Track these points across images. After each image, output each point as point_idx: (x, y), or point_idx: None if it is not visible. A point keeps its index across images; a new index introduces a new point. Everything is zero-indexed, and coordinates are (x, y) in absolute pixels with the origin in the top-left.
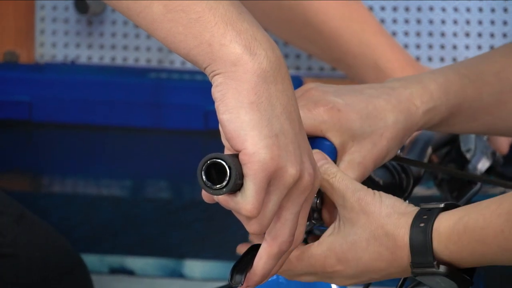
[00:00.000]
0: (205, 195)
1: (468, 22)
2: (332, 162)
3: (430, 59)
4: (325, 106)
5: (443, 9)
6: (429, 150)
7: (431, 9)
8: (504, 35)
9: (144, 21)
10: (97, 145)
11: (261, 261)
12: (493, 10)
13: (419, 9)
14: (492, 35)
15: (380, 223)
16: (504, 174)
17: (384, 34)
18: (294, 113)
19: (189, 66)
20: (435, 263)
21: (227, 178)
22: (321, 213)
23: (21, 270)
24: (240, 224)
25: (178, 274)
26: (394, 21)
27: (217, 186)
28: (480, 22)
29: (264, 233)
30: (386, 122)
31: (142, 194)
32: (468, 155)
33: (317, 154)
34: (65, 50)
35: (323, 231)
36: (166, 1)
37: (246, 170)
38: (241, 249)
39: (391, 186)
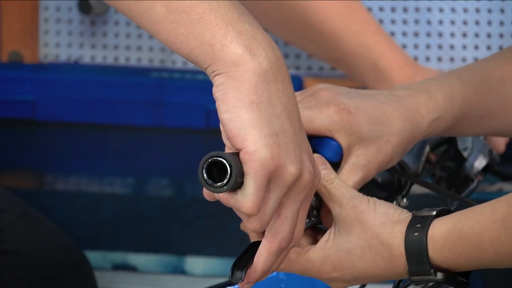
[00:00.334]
0: (206, 193)
1: (465, 23)
2: (331, 168)
3: (427, 59)
4: (336, 107)
5: (441, 10)
6: (427, 149)
7: (429, 9)
8: (501, 36)
9: (147, 22)
10: (100, 144)
11: (261, 258)
12: (490, 11)
13: (417, 9)
14: (489, 36)
15: (375, 232)
16: (501, 172)
17: (382, 35)
18: (294, 112)
19: (190, 66)
20: (432, 271)
21: (228, 176)
22: (319, 211)
23: (25, 267)
24: (240, 221)
25: (180, 271)
26: (393, 21)
27: (218, 184)
28: (477, 23)
29: (264, 230)
30: (393, 129)
31: (144, 192)
32: (465, 154)
33: (318, 158)
34: (68, 50)
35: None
36: (168, 3)
37: (247, 169)
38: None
39: (389, 184)
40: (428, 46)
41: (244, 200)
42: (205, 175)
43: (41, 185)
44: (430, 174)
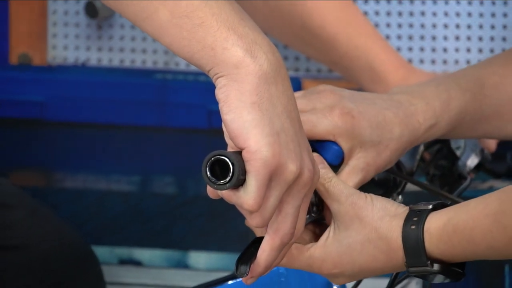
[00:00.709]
0: (210, 191)
1: (458, 26)
2: (329, 167)
3: (421, 61)
4: (340, 111)
5: (434, 14)
6: (422, 148)
7: (422, 14)
8: (492, 39)
9: (151, 27)
10: (106, 143)
11: (264, 253)
12: (481, 15)
13: (411, 14)
14: (480, 39)
15: (374, 227)
16: (492, 170)
17: (378, 38)
18: (294, 112)
19: (193, 67)
20: (428, 262)
21: (231, 174)
22: (319, 207)
23: (34, 261)
24: (242, 218)
25: (183, 265)
26: (388, 25)
27: (221, 181)
28: (469, 27)
29: (266, 226)
30: (393, 135)
31: (149, 189)
32: (458, 152)
33: (316, 158)
34: (76, 53)
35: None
36: (171, 8)
37: (249, 167)
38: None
39: (385, 182)
40: (422, 49)
41: (246, 197)
42: (208, 172)
43: (50, 182)
44: (424, 172)
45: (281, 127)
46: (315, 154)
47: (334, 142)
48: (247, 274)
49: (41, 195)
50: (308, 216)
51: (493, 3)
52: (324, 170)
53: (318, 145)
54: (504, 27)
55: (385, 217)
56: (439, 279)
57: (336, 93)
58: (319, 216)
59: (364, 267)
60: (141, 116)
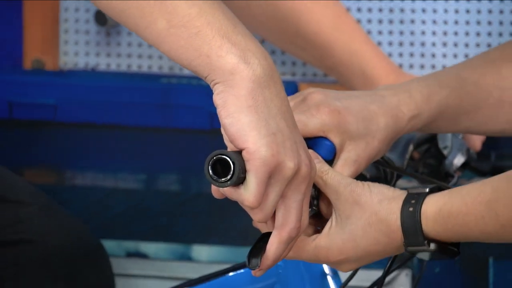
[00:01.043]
0: (215, 191)
1: (445, 33)
2: (324, 161)
3: (411, 66)
4: (327, 108)
5: (423, 22)
6: (411, 147)
7: (412, 21)
8: (477, 45)
9: (150, 36)
10: (114, 143)
11: (272, 247)
12: (467, 23)
13: (401, 21)
14: (466, 45)
15: (373, 211)
16: (478, 168)
17: (370, 44)
18: (288, 113)
19: None
20: (425, 242)
21: (231, 172)
22: (319, 200)
23: (47, 254)
24: (241, 214)
25: (186, 258)
26: (380, 32)
27: (222, 179)
28: (456, 33)
29: (271, 222)
30: (378, 125)
31: (154, 187)
32: (445, 152)
33: (311, 154)
34: (86, 58)
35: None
36: (169, 18)
37: (249, 166)
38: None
39: (377, 179)
40: (411, 55)
41: (247, 194)
42: (210, 171)
43: (61, 180)
44: (413, 170)
45: (276, 127)
46: (310, 151)
47: (326, 138)
48: (259, 266)
49: (53, 192)
50: (310, 209)
51: (479, 12)
52: (320, 164)
53: (311, 142)
54: (489, 34)
55: (384, 200)
56: (436, 257)
57: (322, 93)
58: (319, 210)
59: (368, 251)
60: (147, 117)
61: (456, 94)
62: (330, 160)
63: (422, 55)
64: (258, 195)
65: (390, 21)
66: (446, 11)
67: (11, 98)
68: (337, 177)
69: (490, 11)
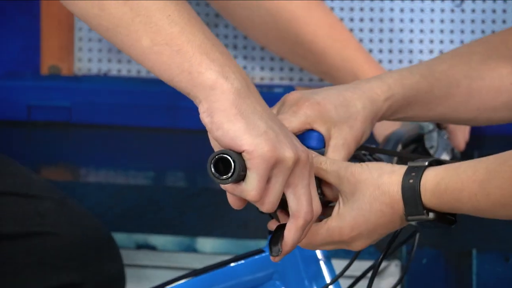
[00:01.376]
0: (232, 200)
1: (431, 41)
2: (317, 154)
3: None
4: (307, 102)
5: (411, 31)
6: (399, 147)
7: (401, 30)
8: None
9: (135, 52)
10: (125, 142)
11: (290, 233)
12: (452, 31)
13: (391, 30)
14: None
15: (375, 185)
16: None
17: (362, 51)
18: (272, 115)
19: None
20: (424, 211)
21: (232, 170)
22: (322, 189)
23: (62, 246)
24: (243, 209)
25: (192, 249)
26: (371, 40)
27: (224, 177)
28: (441, 41)
29: (276, 210)
30: (357, 108)
31: (162, 183)
32: (431, 151)
33: None
34: (99, 64)
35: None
36: (152, 36)
37: (249, 165)
38: (271, 225)
39: None
40: (400, 61)
41: (249, 189)
42: (212, 169)
43: (76, 177)
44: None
45: (266, 126)
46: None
47: (312, 130)
48: (281, 251)
49: (68, 188)
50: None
51: (462, 21)
52: (316, 158)
53: (300, 137)
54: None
55: (383, 174)
56: (434, 225)
57: (298, 92)
58: (324, 197)
59: (377, 224)
60: (155, 119)
61: (427, 81)
62: (321, 150)
63: (410, 61)
64: (260, 190)
65: (380, 30)
66: (432, 21)
67: (29, 102)
68: (336, 163)
69: (472, 21)
